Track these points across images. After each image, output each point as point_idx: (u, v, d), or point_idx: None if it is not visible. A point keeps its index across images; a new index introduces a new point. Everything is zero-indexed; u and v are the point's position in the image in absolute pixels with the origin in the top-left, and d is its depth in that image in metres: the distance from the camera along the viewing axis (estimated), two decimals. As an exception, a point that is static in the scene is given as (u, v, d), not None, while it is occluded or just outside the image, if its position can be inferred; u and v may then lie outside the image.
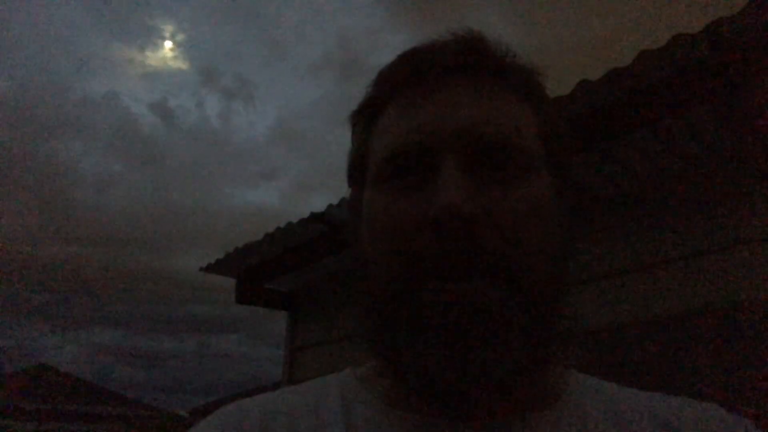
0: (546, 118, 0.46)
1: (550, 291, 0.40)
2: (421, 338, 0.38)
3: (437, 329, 0.37)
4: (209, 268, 3.55)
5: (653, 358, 1.97)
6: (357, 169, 0.49)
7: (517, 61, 0.46)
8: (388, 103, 0.46)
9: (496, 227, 0.38)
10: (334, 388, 0.48)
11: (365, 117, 0.48)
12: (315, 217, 2.86)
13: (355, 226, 0.48)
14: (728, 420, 0.45)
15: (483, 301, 0.37)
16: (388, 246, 0.40)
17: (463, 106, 0.42)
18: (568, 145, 0.48)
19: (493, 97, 0.43)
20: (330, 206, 2.78)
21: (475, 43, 0.45)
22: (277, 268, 3.39)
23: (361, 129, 0.49)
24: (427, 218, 0.38)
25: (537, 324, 0.39)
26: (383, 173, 0.43)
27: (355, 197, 0.49)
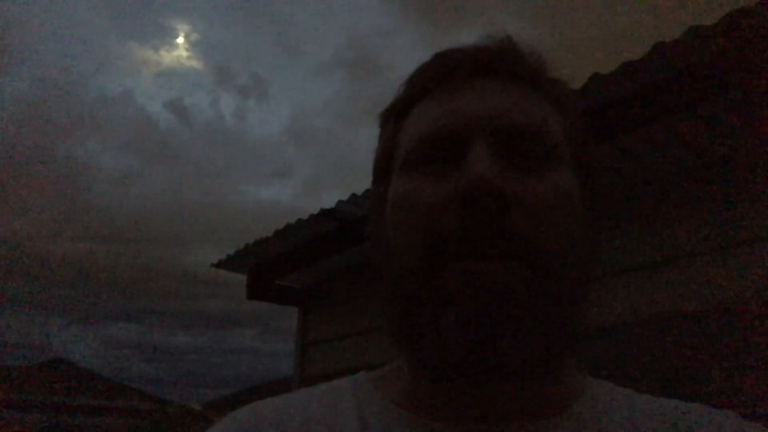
0: (573, 124, 0.46)
1: (572, 284, 0.40)
2: (444, 317, 0.37)
3: (460, 308, 0.36)
4: (221, 264, 3.58)
5: (652, 357, 1.95)
6: (383, 165, 0.48)
7: (548, 69, 0.46)
8: (419, 100, 0.46)
9: (524, 210, 0.38)
10: (349, 391, 0.47)
11: (395, 115, 0.48)
12: (325, 213, 2.87)
13: (377, 220, 0.47)
14: (746, 428, 0.43)
15: (508, 282, 0.36)
16: (412, 227, 0.40)
17: (494, 96, 0.42)
18: (593, 151, 0.48)
19: (522, 94, 0.44)
20: (340, 202, 2.78)
21: (507, 48, 0.45)
22: (288, 264, 3.41)
23: (390, 127, 0.48)
24: (455, 195, 0.37)
25: (558, 313, 0.38)
26: (411, 160, 0.43)
27: (380, 191, 0.48)
